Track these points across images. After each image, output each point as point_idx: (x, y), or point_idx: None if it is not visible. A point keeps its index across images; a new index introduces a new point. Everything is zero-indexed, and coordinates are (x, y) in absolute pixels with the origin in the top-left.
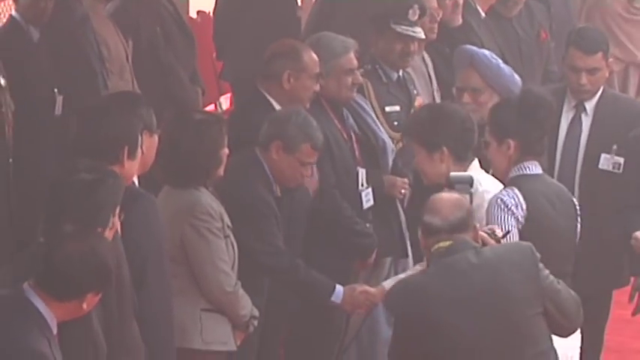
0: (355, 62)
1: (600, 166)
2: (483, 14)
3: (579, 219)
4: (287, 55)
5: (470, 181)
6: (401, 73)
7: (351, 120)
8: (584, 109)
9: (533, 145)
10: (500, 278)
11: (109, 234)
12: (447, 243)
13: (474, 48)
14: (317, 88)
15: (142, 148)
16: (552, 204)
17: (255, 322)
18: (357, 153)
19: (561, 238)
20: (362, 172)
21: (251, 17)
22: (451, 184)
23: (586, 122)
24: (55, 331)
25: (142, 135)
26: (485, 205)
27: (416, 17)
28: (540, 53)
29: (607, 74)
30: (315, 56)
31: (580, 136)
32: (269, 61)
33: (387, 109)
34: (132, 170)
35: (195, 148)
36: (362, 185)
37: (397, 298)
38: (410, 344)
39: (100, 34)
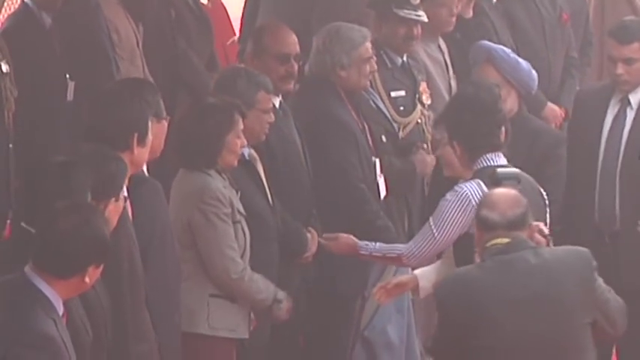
0: (371, 50)
1: None
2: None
3: (547, 207)
4: (251, 36)
5: (517, 177)
6: (405, 58)
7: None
8: (629, 103)
9: (480, 142)
10: (556, 283)
11: (113, 217)
12: (505, 240)
13: (491, 43)
14: (287, 70)
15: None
16: None
17: (282, 306)
18: (370, 142)
19: None
20: (376, 162)
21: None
22: (498, 181)
23: (630, 115)
24: (61, 311)
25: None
26: None
27: (417, 1)
28: (562, 34)
29: None
30: (280, 37)
31: (623, 129)
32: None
33: (393, 94)
34: (142, 157)
35: (196, 130)
36: (379, 175)
37: (449, 287)
38: (455, 339)
39: (110, 20)
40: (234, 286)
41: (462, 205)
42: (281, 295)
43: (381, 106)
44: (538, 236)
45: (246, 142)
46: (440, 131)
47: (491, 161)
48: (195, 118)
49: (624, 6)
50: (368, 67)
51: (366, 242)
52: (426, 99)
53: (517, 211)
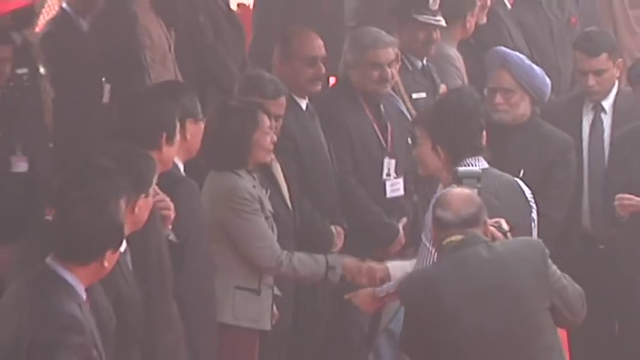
0: (385, 58)
1: None
2: (509, 5)
3: (533, 208)
4: (279, 42)
5: (478, 176)
6: (425, 61)
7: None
8: (603, 109)
9: (462, 147)
10: (511, 273)
11: (143, 212)
12: (459, 237)
13: (507, 49)
14: (315, 72)
15: (185, 134)
16: (496, 195)
17: (337, 271)
18: (388, 144)
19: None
20: (389, 162)
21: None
22: (459, 180)
23: (606, 120)
24: (84, 297)
25: (184, 122)
26: None
27: (436, 6)
28: (571, 37)
29: (617, 74)
30: (307, 41)
31: (603, 134)
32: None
33: (414, 95)
34: (170, 155)
35: (222, 133)
36: (387, 175)
37: (409, 288)
38: (420, 334)
39: (143, 26)
40: (276, 273)
41: None
42: (334, 260)
43: (403, 108)
44: (496, 232)
45: (275, 138)
46: (416, 131)
47: (471, 165)
48: (220, 122)
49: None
50: (377, 73)
51: (382, 286)
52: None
53: (470, 209)
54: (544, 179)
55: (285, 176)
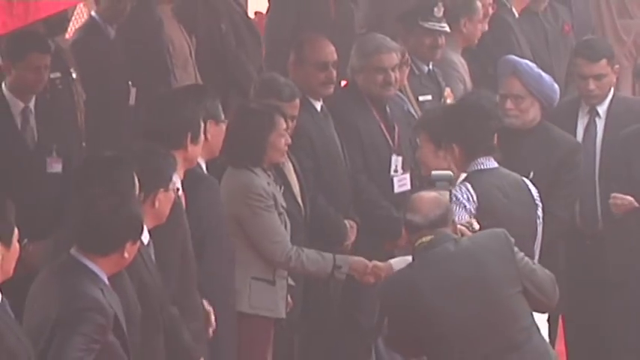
0: (389, 62)
1: None
2: (517, 15)
3: (539, 206)
4: (293, 48)
5: (449, 179)
6: (431, 65)
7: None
8: (597, 114)
9: (477, 146)
10: (479, 263)
11: (164, 205)
12: (429, 237)
13: (517, 58)
14: (326, 76)
15: (207, 135)
16: (505, 194)
17: (343, 270)
18: (395, 142)
19: (515, 224)
20: (396, 159)
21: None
22: (432, 182)
23: (600, 125)
24: (107, 284)
25: (206, 123)
26: None
27: (441, 14)
28: (565, 44)
29: (614, 79)
30: (319, 47)
31: (595, 138)
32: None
33: (421, 98)
34: (195, 154)
35: (240, 133)
36: (395, 171)
37: (386, 291)
38: (404, 332)
39: (165, 32)
40: (287, 267)
41: (461, 208)
42: (341, 260)
43: (412, 110)
44: (466, 231)
45: (290, 141)
46: (417, 134)
47: (483, 165)
48: (239, 122)
49: None
50: (381, 77)
51: None
52: (451, 103)
53: (437, 211)
54: (553, 180)
55: (296, 174)
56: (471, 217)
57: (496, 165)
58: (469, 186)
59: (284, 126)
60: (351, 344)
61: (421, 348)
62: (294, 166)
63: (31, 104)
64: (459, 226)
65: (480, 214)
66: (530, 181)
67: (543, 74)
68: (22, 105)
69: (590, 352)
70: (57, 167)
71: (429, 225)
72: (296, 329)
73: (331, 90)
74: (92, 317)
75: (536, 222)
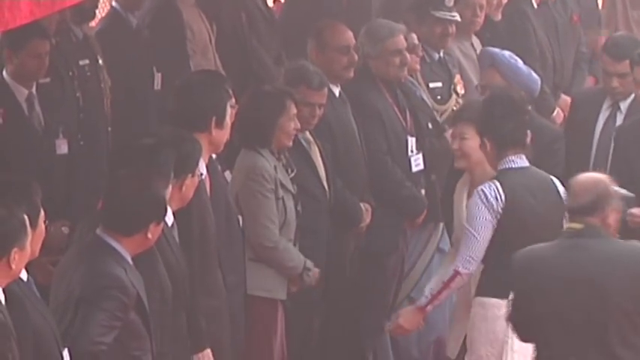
0: (402, 44)
1: None
2: (536, 5)
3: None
4: (313, 35)
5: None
6: (441, 53)
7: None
8: (619, 108)
9: (507, 141)
10: (604, 272)
11: (189, 190)
12: (579, 226)
13: (496, 50)
14: (348, 59)
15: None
16: (533, 194)
17: (311, 274)
18: (408, 123)
19: (542, 224)
20: (411, 140)
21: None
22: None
23: (619, 119)
24: (131, 264)
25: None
26: None
27: (451, 3)
28: (573, 33)
29: (639, 77)
30: (339, 32)
31: (612, 131)
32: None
33: (431, 85)
34: (220, 138)
35: (252, 115)
36: (411, 151)
37: (517, 259)
38: (518, 303)
39: (185, 19)
40: (268, 253)
41: (488, 206)
42: (309, 264)
43: (424, 96)
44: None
45: (300, 126)
46: (460, 126)
47: (513, 163)
48: (251, 105)
49: None
50: (398, 59)
51: (421, 297)
52: (460, 89)
53: (587, 197)
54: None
55: (322, 158)
56: (496, 215)
57: (527, 164)
58: (498, 184)
59: (294, 111)
60: (366, 325)
61: (532, 329)
62: (320, 150)
63: (34, 90)
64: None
65: (507, 214)
66: None
67: (521, 65)
68: (26, 92)
69: None
70: (64, 149)
71: (578, 210)
72: (315, 312)
73: (352, 74)
74: (115, 295)
75: (562, 223)
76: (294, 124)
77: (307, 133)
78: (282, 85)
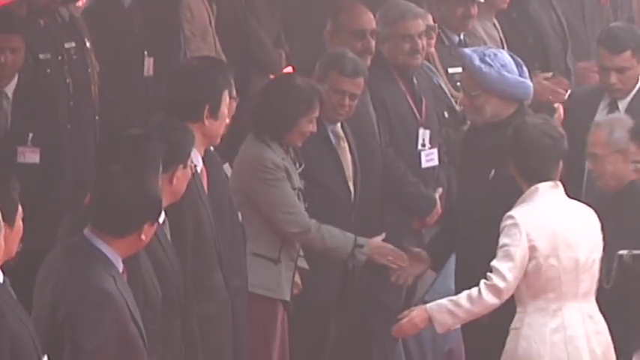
0: (415, 29)
1: None
2: None
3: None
4: (330, 16)
5: None
6: (462, 36)
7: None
8: (617, 108)
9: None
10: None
11: (181, 183)
12: None
13: (468, 52)
14: (363, 45)
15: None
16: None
17: (364, 250)
18: (422, 115)
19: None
20: (423, 133)
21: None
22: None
23: None
24: (120, 269)
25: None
26: None
27: None
28: (601, 15)
29: None
30: (356, 15)
31: None
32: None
33: (450, 70)
34: (214, 130)
35: (275, 105)
36: (422, 145)
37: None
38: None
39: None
40: (303, 239)
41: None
42: (362, 240)
43: (441, 82)
44: None
45: (316, 129)
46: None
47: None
48: (277, 94)
49: None
50: (408, 45)
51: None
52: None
53: None
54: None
55: (352, 156)
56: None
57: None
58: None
59: (317, 114)
60: (378, 327)
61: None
62: (350, 147)
63: (9, 89)
64: None
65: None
66: (493, 178)
67: (493, 69)
68: None
69: None
70: (31, 158)
71: None
72: (330, 316)
73: (368, 61)
74: (104, 314)
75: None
76: (311, 126)
77: (338, 126)
78: (313, 82)
